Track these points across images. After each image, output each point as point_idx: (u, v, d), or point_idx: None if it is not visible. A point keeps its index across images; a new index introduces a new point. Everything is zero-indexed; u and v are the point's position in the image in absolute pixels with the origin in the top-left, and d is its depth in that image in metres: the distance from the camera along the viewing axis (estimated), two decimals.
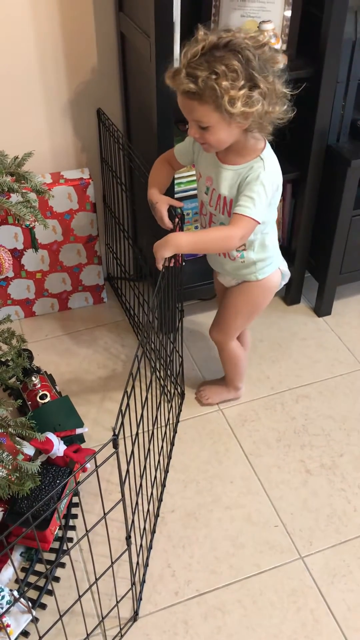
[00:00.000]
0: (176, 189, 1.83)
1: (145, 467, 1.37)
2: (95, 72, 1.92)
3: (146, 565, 1.46)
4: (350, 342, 2.06)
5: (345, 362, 1.99)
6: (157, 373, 1.72)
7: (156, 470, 1.57)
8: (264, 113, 1.23)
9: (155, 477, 1.57)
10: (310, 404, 1.85)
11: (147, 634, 1.35)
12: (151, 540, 1.51)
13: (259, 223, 1.31)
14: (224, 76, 1.16)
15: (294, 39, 1.71)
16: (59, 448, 1.55)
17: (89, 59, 1.90)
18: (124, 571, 1.41)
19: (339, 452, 1.72)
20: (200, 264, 2.03)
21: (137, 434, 1.23)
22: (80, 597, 1.21)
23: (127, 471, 1.15)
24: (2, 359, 1.59)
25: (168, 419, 1.71)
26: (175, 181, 1.80)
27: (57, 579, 1.43)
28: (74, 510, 1.56)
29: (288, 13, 1.68)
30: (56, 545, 1.49)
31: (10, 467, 1.31)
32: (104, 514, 1.12)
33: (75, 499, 1.58)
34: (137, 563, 1.40)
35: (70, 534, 1.53)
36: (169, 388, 1.77)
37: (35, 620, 1.33)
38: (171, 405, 1.76)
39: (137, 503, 1.32)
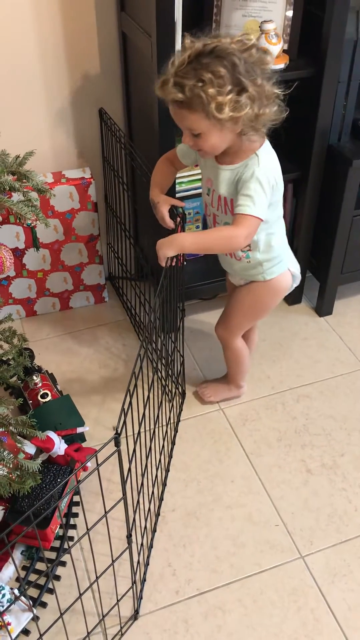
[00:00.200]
0: (177, 188, 1.83)
1: (146, 465, 1.37)
2: (97, 72, 1.93)
3: (147, 564, 1.46)
4: (351, 342, 2.06)
5: (346, 362, 1.99)
6: (159, 373, 1.72)
7: (157, 469, 1.57)
8: (255, 116, 1.23)
9: (156, 476, 1.57)
10: (311, 403, 1.85)
11: (148, 633, 1.36)
12: (152, 539, 1.51)
13: (262, 220, 1.31)
14: (210, 83, 1.17)
15: (296, 39, 1.71)
16: (59, 447, 1.55)
17: (90, 58, 1.90)
18: (124, 570, 1.41)
19: (340, 451, 1.72)
20: (201, 263, 2.04)
21: (139, 432, 1.23)
22: (80, 595, 1.21)
23: (129, 469, 1.16)
24: (4, 358, 1.59)
25: (169, 418, 1.71)
26: (177, 181, 1.80)
27: (57, 578, 1.44)
28: (74, 509, 1.56)
29: (289, 13, 1.68)
30: (57, 544, 1.49)
31: (11, 466, 1.31)
32: (105, 512, 1.12)
33: (76, 498, 1.58)
34: (138, 562, 1.40)
35: (70, 532, 1.53)
36: (170, 387, 1.77)
37: (36, 618, 1.34)
38: (172, 405, 1.76)
39: (138, 502, 1.33)
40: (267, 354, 2.00)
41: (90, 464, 1.61)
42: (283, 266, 1.53)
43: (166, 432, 1.69)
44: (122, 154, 1.87)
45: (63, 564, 1.47)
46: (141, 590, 1.41)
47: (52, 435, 1.54)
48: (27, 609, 1.33)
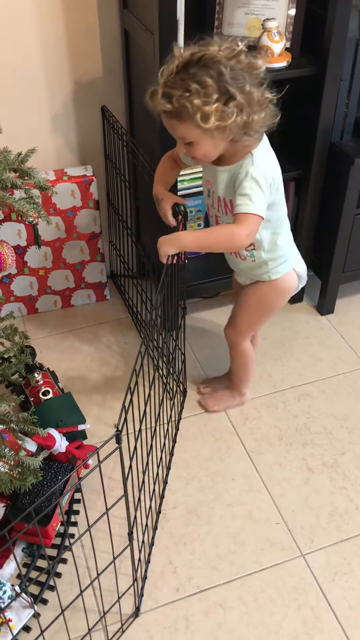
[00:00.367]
0: (179, 186, 1.83)
1: (147, 463, 1.38)
2: (99, 70, 1.93)
3: (148, 562, 1.46)
4: (352, 340, 2.05)
5: (348, 360, 1.99)
6: (160, 371, 1.72)
7: (158, 467, 1.57)
8: (244, 123, 1.23)
9: (157, 474, 1.57)
10: (312, 402, 1.85)
11: (148, 630, 1.36)
12: (153, 537, 1.51)
13: (262, 218, 1.31)
14: (197, 93, 1.18)
15: (298, 37, 1.71)
16: (61, 444, 1.55)
17: (92, 56, 1.90)
18: (125, 567, 1.41)
19: (341, 450, 1.72)
20: (202, 261, 2.04)
21: (139, 430, 1.23)
22: (82, 592, 1.21)
23: (130, 467, 1.16)
24: (5, 355, 1.60)
25: (170, 416, 1.71)
26: (178, 179, 1.80)
27: (58, 575, 1.44)
28: (75, 507, 1.57)
29: (292, 11, 1.68)
30: (57, 541, 1.49)
31: (12, 463, 1.31)
32: (107, 509, 1.12)
33: (76, 495, 1.58)
34: (139, 559, 1.40)
35: (71, 529, 1.53)
36: (171, 385, 1.77)
37: (37, 615, 1.34)
38: (173, 403, 1.76)
39: (139, 499, 1.33)
40: (269, 353, 2.00)
41: (91, 462, 1.62)
42: (288, 266, 1.52)
43: (167, 429, 1.69)
44: (124, 152, 1.87)
45: (64, 561, 1.47)
46: (142, 588, 1.41)
47: (54, 432, 1.54)
48: (28, 606, 1.34)
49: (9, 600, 1.30)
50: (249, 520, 1.56)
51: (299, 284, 1.59)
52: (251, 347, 1.72)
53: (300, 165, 1.89)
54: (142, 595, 1.40)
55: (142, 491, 1.35)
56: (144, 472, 1.35)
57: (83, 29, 1.84)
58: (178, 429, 1.77)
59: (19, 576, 1.43)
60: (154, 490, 1.54)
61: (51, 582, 1.41)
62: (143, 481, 1.35)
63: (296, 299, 2.18)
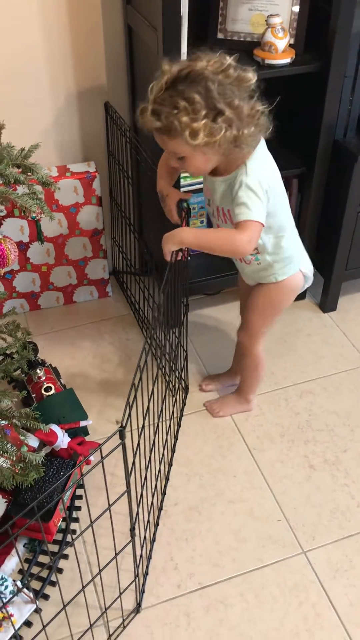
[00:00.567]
0: (182, 182, 1.82)
1: (149, 459, 1.38)
2: (103, 65, 1.92)
3: (149, 558, 1.46)
4: (355, 338, 2.05)
5: (350, 358, 1.98)
6: (163, 368, 1.72)
7: (160, 464, 1.58)
8: (234, 138, 1.23)
9: (159, 470, 1.57)
10: (315, 399, 1.85)
11: (149, 626, 1.36)
12: (154, 533, 1.51)
13: (263, 224, 1.31)
14: (185, 110, 1.19)
15: (302, 33, 1.70)
16: (63, 440, 1.55)
17: (96, 52, 1.89)
18: (126, 563, 1.41)
19: (343, 447, 1.72)
20: (205, 258, 2.03)
21: (142, 426, 1.23)
22: (84, 587, 1.21)
23: (133, 463, 1.16)
24: (8, 351, 1.60)
25: (172, 413, 1.71)
26: (181, 175, 1.80)
27: (60, 570, 1.44)
28: (76, 503, 1.57)
29: (296, 8, 1.67)
30: (59, 537, 1.49)
31: (14, 458, 1.32)
32: (109, 505, 1.12)
33: (78, 492, 1.58)
34: (141, 555, 1.40)
35: (73, 525, 1.53)
36: (173, 382, 1.77)
37: (39, 610, 1.34)
38: (175, 399, 1.76)
39: (141, 495, 1.33)
40: (271, 350, 2.00)
41: (93, 458, 1.62)
42: (294, 267, 1.52)
43: (169, 426, 1.69)
44: (127, 148, 1.87)
45: (65, 557, 1.47)
46: (143, 584, 1.41)
47: (56, 428, 1.54)
48: (30, 601, 1.34)
49: (11, 596, 1.31)
50: (251, 517, 1.56)
51: (305, 284, 1.58)
52: (264, 353, 1.71)
53: (304, 162, 1.88)
54: (144, 592, 1.40)
55: (145, 487, 1.35)
56: (146, 468, 1.35)
57: (87, 25, 1.83)
58: (180, 426, 1.77)
59: (20, 571, 1.43)
60: (155, 486, 1.54)
61: (52, 578, 1.41)
62: (145, 477, 1.35)
63: (299, 296, 2.15)
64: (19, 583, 1.36)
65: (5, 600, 1.28)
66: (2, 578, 1.35)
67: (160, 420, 1.53)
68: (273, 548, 1.50)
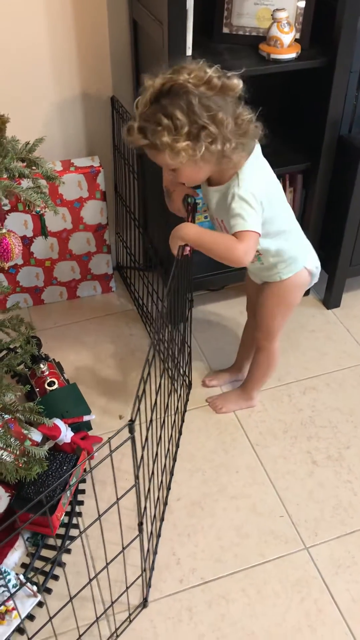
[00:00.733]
0: None
1: (156, 453, 1.37)
2: (108, 60, 1.92)
3: (155, 552, 1.47)
4: (358, 334, 2.05)
5: (354, 354, 1.98)
6: (167, 363, 1.72)
7: (166, 458, 1.58)
8: (219, 151, 1.23)
9: (165, 465, 1.57)
10: (318, 396, 1.85)
11: (152, 620, 1.36)
12: (160, 528, 1.51)
13: (259, 234, 1.31)
14: (167, 129, 1.19)
15: (308, 28, 1.69)
16: (66, 435, 1.56)
17: (101, 46, 1.89)
18: (131, 558, 1.41)
19: (346, 444, 1.72)
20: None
21: (151, 420, 1.23)
22: (91, 580, 1.21)
23: (142, 457, 1.16)
24: (11, 346, 1.60)
25: (177, 408, 1.71)
26: None
27: (62, 565, 1.44)
28: (79, 497, 1.57)
29: (302, 2, 1.66)
30: (61, 531, 1.49)
31: (17, 452, 1.32)
32: (117, 499, 1.12)
33: (81, 486, 1.59)
34: (148, 550, 1.40)
35: (76, 520, 1.53)
36: (176, 378, 1.77)
37: (43, 603, 1.35)
38: (179, 395, 1.76)
39: (149, 489, 1.33)
40: None
41: (97, 454, 1.62)
42: (299, 265, 1.52)
43: (174, 421, 1.69)
44: None
45: (68, 551, 1.47)
46: (150, 578, 1.41)
47: (59, 423, 1.55)
48: (33, 595, 1.34)
49: (14, 589, 1.31)
50: (253, 513, 1.56)
51: (311, 281, 1.58)
52: (279, 351, 1.70)
53: (309, 157, 1.87)
54: (150, 586, 1.40)
55: (152, 481, 1.35)
56: (154, 462, 1.35)
57: (92, 19, 1.83)
58: (183, 421, 1.77)
59: (23, 565, 1.43)
60: (161, 481, 1.54)
61: (55, 572, 1.41)
62: (153, 472, 1.35)
63: None
64: (21, 577, 1.36)
65: (8, 594, 1.29)
66: (4, 572, 1.36)
67: (167, 414, 1.53)
68: (275, 544, 1.50)
